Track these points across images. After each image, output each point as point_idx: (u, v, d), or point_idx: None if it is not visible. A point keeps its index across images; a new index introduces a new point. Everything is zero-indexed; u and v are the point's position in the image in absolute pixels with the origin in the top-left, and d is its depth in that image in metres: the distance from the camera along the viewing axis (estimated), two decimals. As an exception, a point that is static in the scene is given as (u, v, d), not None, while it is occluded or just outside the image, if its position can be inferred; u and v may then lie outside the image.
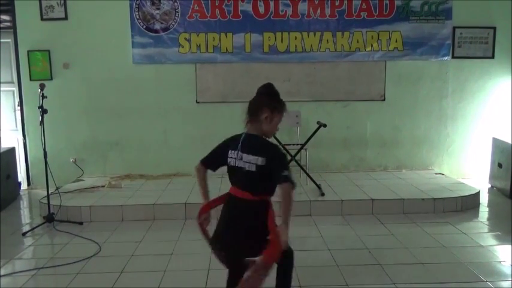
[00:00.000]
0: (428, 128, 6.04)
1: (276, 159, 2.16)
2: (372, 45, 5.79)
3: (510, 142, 5.23)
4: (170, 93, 5.86)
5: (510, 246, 3.74)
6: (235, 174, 2.26)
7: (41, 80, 5.12)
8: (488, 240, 3.91)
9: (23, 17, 5.68)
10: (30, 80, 5.71)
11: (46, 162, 4.31)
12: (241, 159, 2.20)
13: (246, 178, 2.19)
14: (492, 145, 5.66)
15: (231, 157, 2.25)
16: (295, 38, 5.75)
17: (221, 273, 3.23)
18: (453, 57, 5.89)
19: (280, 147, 2.25)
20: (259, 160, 2.13)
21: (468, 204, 4.75)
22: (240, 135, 2.29)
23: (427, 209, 4.61)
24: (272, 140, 2.26)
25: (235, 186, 2.28)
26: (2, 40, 5.81)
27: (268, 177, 2.15)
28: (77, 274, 3.26)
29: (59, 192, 4.58)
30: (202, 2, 5.64)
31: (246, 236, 2.20)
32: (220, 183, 5.49)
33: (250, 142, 2.21)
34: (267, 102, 2.21)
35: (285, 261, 2.34)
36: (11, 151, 5.50)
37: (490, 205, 5.04)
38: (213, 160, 2.44)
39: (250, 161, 2.16)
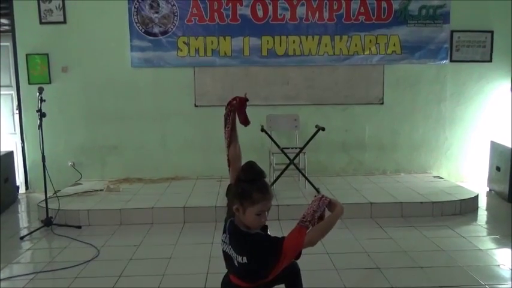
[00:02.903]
0: (426, 131, 6.05)
1: (257, 261, 1.94)
2: (370, 49, 5.81)
3: (508, 145, 5.24)
4: (169, 97, 5.86)
5: (509, 249, 3.74)
6: (227, 260, 2.10)
7: (39, 83, 5.12)
8: (487, 243, 3.91)
9: (22, 21, 5.68)
10: (29, 83, 5.71)
11: (44, 166, 4.30)
12: (228, 245, 2.04)
13: (236, 268, 2.02)
14: (490, 148, 5.67)
15: (222, 240, 2.08)
16: (294, 41, 5.76)
17: (220, 277, 3.23)
18: (451, 60, 5.91)
19: (258, 237, 1.96)
20: (241, 258, 1.95)
21: (467, 207, 4.75)
22: (229, 213, 2.05)
23: (425, 212, 4.61)
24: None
25: (230, 273, 2.13)
26: (0, 44, 5.81)
27: (257, 270, 1.98)
28: (75, 278, 3.25)
29: (57, 196, 4.57)
30: (201, 6, 5.66)
31: None
32: (219, 187, 5.52)
33: (231, 234, 2.01)
34: (236, 192, 1.94)
35: (293, 280, 2.33)
36: (10, 155, 5.49)
37: (488, 208, 5.04)
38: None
39: (234, 256, 1.99)
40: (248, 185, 1.93)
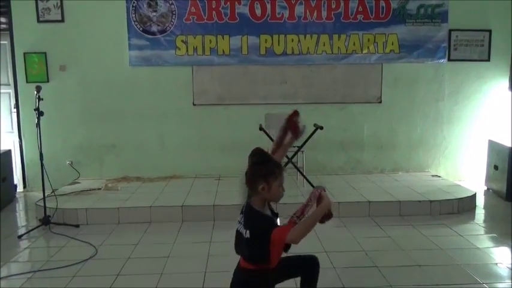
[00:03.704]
0: (424, 130, 6.06)
1: (255, 238, 2.08)
2: (368, 47, 5.81)
3: (506, 144, 5.25)
4: (167, 96, 5.85)
5: (506, 248, 3.76)
6: (237, 240, 2.23)
7: (37, 82, 5.11)
8: (485, 242, 3.92)
9: (20, 19, 5.67)
10: (27, 82, 5.70)
11: (42, 165, 4.30)
12: (241, 225, 2.18)
13: (243, 248, 2.17)
14: (488, 147, 5.68)
15: (238, 221, 2.23)
16: (292, 40, 5.76)
17: (218, 276, 3.23)
18: (449, 59, 5.91)
19: (265, 216, 2.15)
20: (245, 232, 2.12)
21: (464, 206, 4.77)
22: (248, 197, 2.23)
23: (423, 211, 4.61)
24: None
25: (239, 255, 2.26)
26: (-2, 42, 5.81)
27: (258, 248, 2.08)
28: (73, 277, 3.25)
29: (55, 195, 4.56)
30: (199, 4, 5.65)
31: None
32: (217, 186, 5.52)
33: (245, 212, 2.18)
34: (261, 172, 2.12)
35: (310, 270, 2.35)
36: (7, 153, 5.48)
37: (486, 207, 5.05)
38: None
39: (243, 232, 2.14)
40: (266, 165, 2.15)
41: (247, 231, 2.10)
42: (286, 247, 2.12)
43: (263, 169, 2.13)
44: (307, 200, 2.09)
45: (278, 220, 2.23)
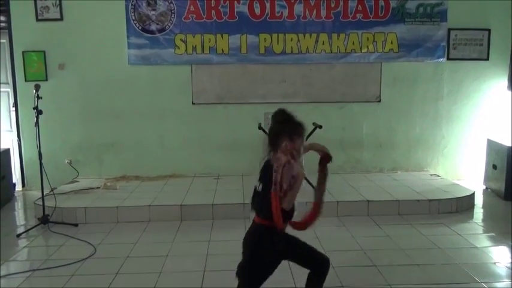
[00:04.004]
0: (423, 129, 6.06)
1: (269, 182, 2.13)
2: (367, 46, 5.81)
3: (504, 144, 5.26)
4: (166, 95, 5.85)
5: (505, 247, 3.76)
6: (253, 195, 2.33)
7: (36, 80, 5.09)
8: (483, 241, 3.93)
9: (18, 18, 5.66)
10: (25, 80, 5.69)
11: (41, 164, 4.29)
12: (259, 184, 2.28)
13: (256, 201, 2.30)
14: (487, 147, 5.68)
15: (257, 180, 2.31)
16: (291, 39, 5.76)
17: (217, 274, 3.24)
18: (448, 58, 5.91)
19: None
20: (259, 186, 2.24)
21: (463, 205, 4.77)
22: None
23: (422, 210, 4.62)
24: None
25: (253, 211, 2.35)
26: (-3, 41, 5.80)
27: (268, 202, 2.12)
28: (72, 276, 3.25)
29: (53, 194, 4.56)
30: (198, 3, 5.64)
31: (245, 254, 2.36)
32: (216, 185, 5.53)
33: (263, 168, 2.28)
34: (284, 129, 2.22)
35: (319, 268, 2.38)
36: (6, 152, 5.48)
37: (484, 206, 5.06)
38: None
39: (257, 186, 2.27)
40: (290, 123, 2.25)
41: (260, 185, 2.22)
42: (288, 216, 2.21)
43: (287, 127, 2.22)
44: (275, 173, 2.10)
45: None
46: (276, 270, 2.36)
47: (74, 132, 5.86)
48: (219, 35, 5.72)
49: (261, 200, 2.22)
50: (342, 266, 3.30)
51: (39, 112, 4.16)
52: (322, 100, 5.92)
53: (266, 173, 2.19)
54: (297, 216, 2.32)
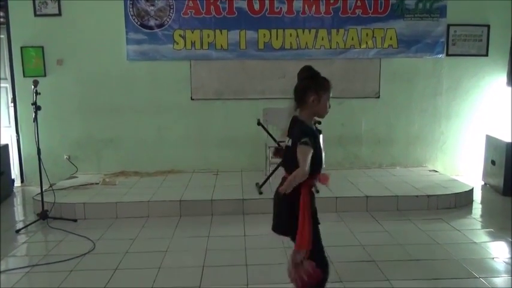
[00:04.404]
0: (422, 125, 6.06)
1: (296, 136, 2.22)
2: (366, 42, 5.80)
3: (503, 139, 5.26)
4: (165, 90, 5.84)
5: (503, 242, 3.77)
6: (285, 155, 2.40)
7: (34, 76, 5.08)
8: (482, 237, 3.94)
9: (16, 13, 5.63)
10: (24, 76, 5.67)
11: (40, 159, 4.29)
12: (288, 141, 2.33)
13: (284, 158, 2.38)
14: (485, 142, 5.69)
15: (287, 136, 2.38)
16: (290, 35, 5.75)
17: (216, 270, 3.24)
18: (447, 54, 5.91)
19: (308, 125, 2.31)
20: (287, 140, 2.29)
21: (461, 201, 4.78)
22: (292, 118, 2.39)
23: (420, 205, 4.63)
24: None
25: (283, 167, 2.42)
26: (-5, 36, 5.78)
27: (296, 158, 2.20)
28: (71, 271, 3.25)
29: (52, 189, 4.56)
30: (197, -1, 5.63)
31: (278, 214, 2.39)
32: (215, 180, 5.53)
33: (292, 124, 2.35)
34: (311, 85, 2.29)
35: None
36: (5, 148, 5.47)
37: (483, 202, 5.07)
38: None
39: (287, 143, 2.31)
40: (316, 78, 2.31)
41: (290, 140, 2.27)
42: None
43: (314, 82, 2.29)
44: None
45: (321, 137, 2.43)
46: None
47: (72, 128, 5.85)
48: (218, 31, 5.70)
49: (289, 156, 2.25)
50: (340, 261, 3.30)
51: (37, 108, 4.15)
52: (321, 96, 5.90)
53: (295, 127, 2.30)
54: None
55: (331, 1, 5.70)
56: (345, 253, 3.50)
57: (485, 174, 5.69)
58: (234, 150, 5.88)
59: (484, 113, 6.03)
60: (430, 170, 5.88)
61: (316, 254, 2.33)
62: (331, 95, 2.34)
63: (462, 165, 6.13)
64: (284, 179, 2.35)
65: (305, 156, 2.14)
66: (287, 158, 2.32)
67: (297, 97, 2.33)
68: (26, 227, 4.21)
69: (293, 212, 2.26)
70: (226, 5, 5.65)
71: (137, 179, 5.57)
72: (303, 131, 2.23)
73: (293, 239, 2.33)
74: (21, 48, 5.65)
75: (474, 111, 6.05)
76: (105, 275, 3.16)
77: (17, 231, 4.13)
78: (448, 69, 5.96)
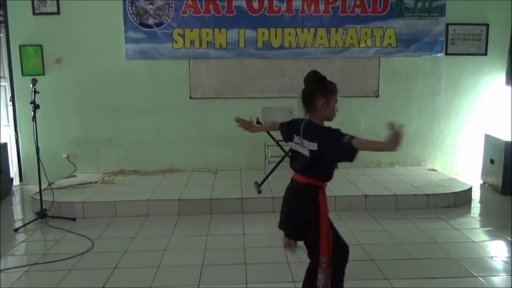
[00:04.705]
0: (421, 124, 6.07)
1: (327, 140, 2.23)
2: (365, 41, 5.80)
3: (502, 138, 5.27)
4: (164, 89, 5.83)
5: (503, 241, 3.77)
6: (295, 159, 2.38)
7: (33, 75, 5.07)
8: (480, 235, 3.94)
9: (15, 11, 5.62)
10: (22, 75, 5.66)
11: (38, 158, 4.28)
12: (301, 144, 2.33)
13: (302, 163, 2.31)
14: (484, 141, 5.69)
15: (295, 142, 2.38)
16: (289, 34, 5.74)
17: (215, 268, 3.24)
18: (446, 54, 5.91)
19: (333, 127, 2.33)
20: (312, 145, 2.25)
21: (460, 200, 4.78)
22: (301, 120, 2.38)
23: (419, 204, 4.63)
24: (332, 123, 2.38)
25: (295, 171, 2.39)
26: (-7, 35, 5.76)
27: (319, 162, 2.25)
28: (70, 270, 3.25)
29: (51, 188, 4.55)
30: (196, -3, 5.62)
31: (295, 215, 2.33)
32: (214, 179, 5.52)
33: (309, 128, 2.32)
34: (319, 89, 2.33)
35: (337, 255, 2.37)
36: (3, 146, 5.46)
37: (482, 201, 5.08)
38: (288, 130, 2.51)
39: (307, 147, 2.28)
40: (324, 82, 2.36)
41: (315, 144, 2.23)
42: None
43: (322, 86, 2.34)
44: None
45: None
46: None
47: (71, 127, 5.84)
48: (217, 30, 5.70)
49: (316, 158, 2.24)
50: (339, 260, 3.31)
51: (36, 106, 4.14)
52: (320, 95, 5.90)
53: (319, 131, 2.28)
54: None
55: (330, 0, 5.70)
56: (344, 252, 3.49)
57: (484, 173, 5.69)
58: (233, 149, 5.88)
59: (482, 112, 6.03)
60: (429, 169, 5.88)
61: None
62: (338, 98, 2.38)
63: (461, 164, 6.13)
64: (294, 180, 2.36)
65: (366, 139, 2.23)
66: (308, 161, 2.28)
67: (306, 102, 2.36)
68: (24, 225, 4.21)
69: (311, 219, 2.26)
70: (225, 4, 5.64)
71: (136, 178, 5.57)
72: (334, 131, 2.26)
73: (307, 246, 2.35)
74: (20, 46, 5.64)
75: (473, 110, 6.05)
76: (104, 274, 3.16)
77: (16, 230, 4.13)
78: (447, 68, 5.97)
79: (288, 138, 2.54)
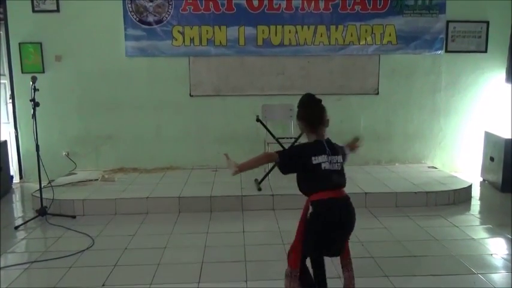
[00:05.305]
0: (421, 122, 6.07)
1: (342, 150, 2.56)
2: (365, 39, 5.79)
3: (502, 136, 5.27)
4: (163, 87, 5.83)
5: (502, 239, 3.78)
6: (329, 176, 2.43)
7: (32, 72, 5.07)
8: (480, 233, 3.95)
9: (14, 9, 5.61)
10: (22, 72, 5.65)
11: (38, 156, 4.28)
12: (329, 162, 2.41)
13: (340, 177, 2.48)
14: (484, 139, 5.69)
15: (321, 161, 2.40)
16: (289, 31, 5.73)
17: (214, 266, 3.25)
18: (446, 51, 5.91)
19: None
20: (339, 158, 2.47)
21: (460, 197, 4.79)
22: (314, 143, 2.47)
23: (419, 202, 4.64)
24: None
25: (334, 188, 2.46)
26: (-7, 32, 5.76)
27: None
28: (70, 268, 3.25)
29: (51, 186, 4.56)
30: (196, -5, 5.61)
31: (351, 230, 2.60)
32: (214, 177, 5.53)
33: (332, 145, 2.49)
34: (323, 107, 2.58)
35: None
36: (3, 144, 5.45)
37: (481, 198, 5.08)
38: (299, 159, 2.46)
39: (337, 161, 2.45)
40: (319, 101, 2.62)
41: (340, 157, 2.48)
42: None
43: (322, 105, 2.60)
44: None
45: None
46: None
47: (71, 124, 5.84)
48: (216, 27, 5.69)
49: (344, 173, 2.50)
50: (338, 257, 3.31)
51: (36, 104, 4.14)
52: (320, 92, 5.72)
53: (338, 147, 2.55)
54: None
55: (330, -3, 5.70)
56: (344, 249, 3.50)
57: (484, 170, 5.69)
58: (233, 147, 5.87)
59: (482, 110, 6.03)
60: (428, 167, 5.89)
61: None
62: None
63: (461, 162, 6.14)
64: (343, 197, 2.54)
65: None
66: (343, 176, 2.52)
67: (323, 119, 2.52)
68: (24, 223, 4.21)
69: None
70: (225, 1, 5.63)
71: (136, 176, 5.57)
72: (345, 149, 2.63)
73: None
74: (20, 44, 5.64)
75: (473, 108, 6.05)
76: (104, 271, 3.16)
77: (16, 227, 4.13)
78: (447, 65, 5.96)
79: (295, 169, 2.51)
